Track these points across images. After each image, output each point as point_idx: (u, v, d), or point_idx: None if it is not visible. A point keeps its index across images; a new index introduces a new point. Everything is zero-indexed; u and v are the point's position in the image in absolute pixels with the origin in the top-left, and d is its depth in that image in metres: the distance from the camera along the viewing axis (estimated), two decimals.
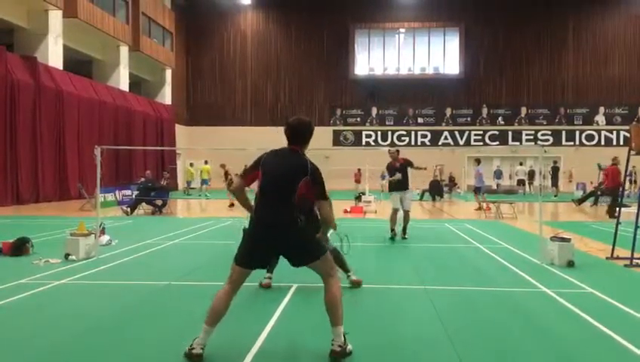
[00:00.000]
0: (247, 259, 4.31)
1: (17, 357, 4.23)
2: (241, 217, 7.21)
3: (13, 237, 9.08)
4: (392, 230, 11.18)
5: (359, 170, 31.19)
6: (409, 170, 11.37)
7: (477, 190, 20.17)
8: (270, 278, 6.66)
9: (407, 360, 4.29)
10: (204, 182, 29.17)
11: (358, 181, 31.99)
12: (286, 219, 4.24)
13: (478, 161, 20.68)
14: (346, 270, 6.70)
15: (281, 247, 4.36)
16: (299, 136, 4.66)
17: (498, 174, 34.97)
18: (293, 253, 4.36)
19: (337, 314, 4.23)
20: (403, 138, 39.28)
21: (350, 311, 5.57)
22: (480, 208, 19.36)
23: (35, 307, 5.80)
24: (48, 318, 5.36)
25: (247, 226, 4.48)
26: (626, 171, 9.71)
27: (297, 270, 6.68)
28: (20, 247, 8.79)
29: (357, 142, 39.51)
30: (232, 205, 20.53)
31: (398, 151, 11.44)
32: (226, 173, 22.86)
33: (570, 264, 8.00)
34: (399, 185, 11.24)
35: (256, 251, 4.31)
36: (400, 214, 11.20)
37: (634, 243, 8.25)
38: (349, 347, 4.21)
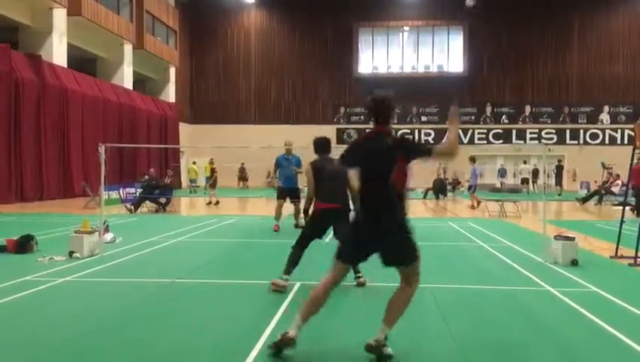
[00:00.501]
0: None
1: (21, 355, 4.25)
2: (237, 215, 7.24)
3: (18, 234, 9.11)
4: None
5: None
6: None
7: (470, 188, 20.33)
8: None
9: (410, 358, 4.29)
10: (208, 179, 29.22)
11: None
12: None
13: (473, 159, 20.73)
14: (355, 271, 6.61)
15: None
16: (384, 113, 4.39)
17: (502, 173, 34.95)
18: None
19: (394, 316, 4.21)
20: (407, 136, 39.20)
21: (352, 309, 5.58)
22: (473, 206, 19.52)
23: (39, 304, 5.82)
24: (52, 316, 5.37)
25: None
26: (630, 170, 9.68)
27: (301, 268, 6.69)
28: (24, 245, 8.81)
29: None
30: (209, 203, 20.94)
31: None
32: (213, 171, 23.22)
33: (574, 263, 7.99)
34: None
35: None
36: None
37: (638, 242, 8.23)
38: (388, 350, 4.08)
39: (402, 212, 4.16)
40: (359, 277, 6.53)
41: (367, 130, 4.35)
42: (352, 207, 6.36)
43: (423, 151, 4.24)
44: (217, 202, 21.33)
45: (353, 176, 5.85)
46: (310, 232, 6.65)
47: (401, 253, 4.17)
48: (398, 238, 4.12)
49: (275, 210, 12.39)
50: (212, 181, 22.33)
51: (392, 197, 4.09)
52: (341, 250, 4.30)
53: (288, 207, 12.83)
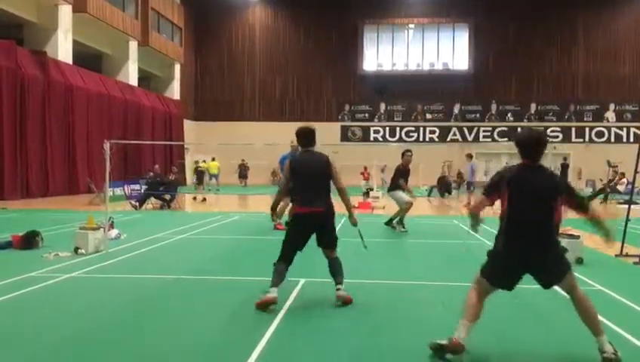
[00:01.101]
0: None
1: (26, 349, 4.26)
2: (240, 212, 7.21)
3: (23, 230, 9.15)
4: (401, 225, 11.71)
5: (366, 168, 31.23)
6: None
7: (469, 185, 20.26)
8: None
9: (415, 356, 4.28)
10: (212, 176, 29.49)
11: (366, 178, 31.94)
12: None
13: (470, 155, 20.65)
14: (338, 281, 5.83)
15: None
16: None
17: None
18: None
19: (596, 322, 4.16)
20: (411, 134, 39.20)
21: (357, 308, 5.58)
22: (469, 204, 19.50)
23: (44, 300, 5.84)
24: (57, 311, 5.39)
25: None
26: (636, 168, 9.62)
27: (305, 264, 6.69)
28: (29, 241, 8.85)
29: (365, 138, 39.45)
30: (197, 199, 21.21)
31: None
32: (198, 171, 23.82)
33: (579, 261, 7.96)
34: (400, 186, 11.85)
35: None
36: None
37: None
38: (619, 353, 4.05)
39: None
40: None
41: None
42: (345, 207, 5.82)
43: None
44: (204, 199, 21.86)
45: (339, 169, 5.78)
46: (291, 244, 5.66)
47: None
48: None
49: (280, 209, 12.29)
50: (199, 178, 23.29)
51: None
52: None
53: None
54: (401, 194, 11.78)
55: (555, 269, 4.26)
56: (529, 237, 4.10)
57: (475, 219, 4.33)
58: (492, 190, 4.20)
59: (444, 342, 4.04)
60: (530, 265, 4.24)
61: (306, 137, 5.89)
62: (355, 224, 5.90)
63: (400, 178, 11.74)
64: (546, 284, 4.39)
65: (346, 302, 5.53)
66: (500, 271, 4.24)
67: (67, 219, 13.03)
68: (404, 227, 11.67)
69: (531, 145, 4.16)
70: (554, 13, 37.95)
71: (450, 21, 39.14)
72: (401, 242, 10.50)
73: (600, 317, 5.19)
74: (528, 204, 4.07)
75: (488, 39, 38.46)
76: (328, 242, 5.74)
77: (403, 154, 11.91)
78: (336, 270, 5.73)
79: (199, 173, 26.11)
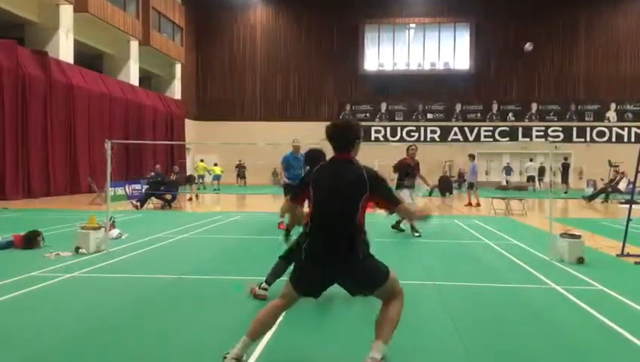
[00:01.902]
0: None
1: (27, 349, 4.27)
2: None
3: (25, 230, 9.15)
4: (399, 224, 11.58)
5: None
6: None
7: (471, 185, 20.34)
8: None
9: (415, 355, 4.28)
10: (216, 177, 30.27)
11: None
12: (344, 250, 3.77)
13: (472, 156, 20.74)
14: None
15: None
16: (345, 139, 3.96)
17: (508, 170, 34.86)
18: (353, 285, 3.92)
19: (384, 329, 3.77)
20: (412, 134, 39.19)
21: (357, 308, 5.58)
22: (470, 204, 19.55)
23: (45, 300, 5.85)
24: (58, 311, 5.40)
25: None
26: (637, 168, 9.62)
27: None
28: (31, 240, 8.85)
29: (366, 137, 39.35)
30: (191, 199, 21.37)
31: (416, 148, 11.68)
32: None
33: (580, 261, 7.96)
34: (411, 183, 11.54)
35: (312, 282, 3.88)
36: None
37: None
38: None
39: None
40: None
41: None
42: None
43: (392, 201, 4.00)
44: (197, 196, 22.16)
45: None
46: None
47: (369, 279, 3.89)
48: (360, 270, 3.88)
49: (281, 208, 12.20)
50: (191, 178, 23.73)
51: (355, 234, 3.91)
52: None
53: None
54: (405, 194, 11.36)
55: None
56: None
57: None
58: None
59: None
60: None
61: (315, 159, 5.74)
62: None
63: (404, 175, 11.54)
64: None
65: None
66: None
67: (68, 219, 13.04)
68: (417, 231, 11.20)
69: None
70: (555, 12, 37.95)
71: (451, 21, 39.12)
72: (402, 242, 10.50)
73: (601, 317, 5.21)
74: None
75: (489, 39, 38.44)
76: None
77: (408, 149, 11.82)
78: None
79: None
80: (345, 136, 3.94)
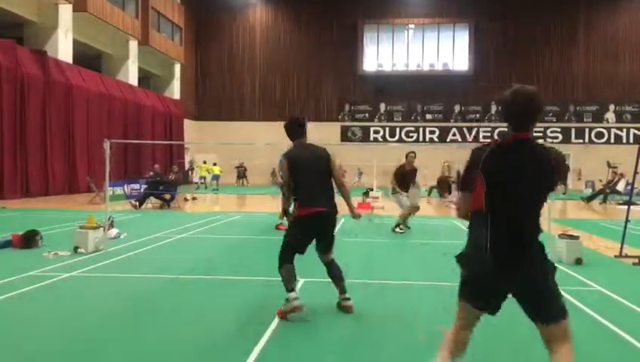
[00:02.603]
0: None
1: (26, 349, 4.27)
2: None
3: (23, 229, 9.15)
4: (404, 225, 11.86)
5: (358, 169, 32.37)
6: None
7: None
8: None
9: (414, 356, 4.29)
10: (214, 177, 30.34)
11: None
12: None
13: None
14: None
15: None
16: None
17: None
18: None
19: None
20: (411, 134, 39.20)
21: (356, 308, 5.59)
22: None
23: (43, 299, 5.85)
24: (57, 310, 5.40)
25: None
26: (635, 169, 9.63)
27: (304, 264, 6.69)
28: (29, 240, 8.85)
29: (365, 138, 39.46)
30: (187, 199, 21.44)
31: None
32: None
33: (579, 262, 7.97)
34: (405, 188, 11.78)
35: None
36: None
37: None
38: None
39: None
40: None
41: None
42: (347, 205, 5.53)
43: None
44: (194, 198, 22.07)
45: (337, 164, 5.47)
46: (293, 245, 5.26)
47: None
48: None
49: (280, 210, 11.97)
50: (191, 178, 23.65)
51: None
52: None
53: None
54: (402, 199, 11.64)
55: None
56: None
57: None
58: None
59: None
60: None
61: (293, 128, 5.35)
62: (358, 217, 5.68)
63: (401, 182, 11.67)
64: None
65: (349, 311, 5.28)
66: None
67: (67, 218, 13.03)
68: (407, 227, 11.68)
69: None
70: (554, 13, 37.98)
71: (450, 21, 39.14)
72: (401, 243, 10.51)
73: (599, 318, 5.22)
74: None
75: (488, 39, 38.47)
76: (328, 245, 5.37)
77: (407, 156, 11.88)
78: (337, 274, 5.37)
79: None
80: (533, 108, 2.94)
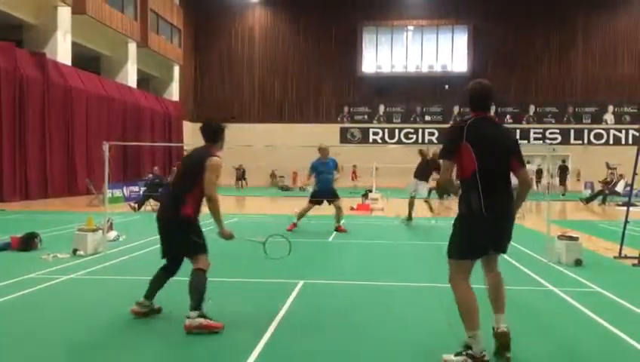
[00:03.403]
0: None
1: (25, 351, 4.26)
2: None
3: (22, 231, 9.14)
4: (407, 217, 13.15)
5: (354, 166, 32.20)
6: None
7: None
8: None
9: (414, 357, 4.28)
10: None
11: (354, 179, 32.91)
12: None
13: None
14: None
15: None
16: None
17: None
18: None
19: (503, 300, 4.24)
20: (410, 136, 39.21)
21: (356, 309, 5.59)
22: None
23: (43, 301, 5.84)
24: (56, 313, 5.39)
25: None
26: (634, 170, 9.63)
27: (304, 265, 6.67)
28: (28, 242, 8.84)
29: (364, 139, 39.47)
30: None
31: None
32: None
33: (578, 263, 7.97)
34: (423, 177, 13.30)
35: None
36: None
37: None
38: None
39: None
40: None
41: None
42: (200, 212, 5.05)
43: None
44: None
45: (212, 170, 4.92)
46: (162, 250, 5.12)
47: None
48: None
49: (301, 211, 12.00)
50: None
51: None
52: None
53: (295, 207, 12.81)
54: (413, 185, 13.11)
55: None
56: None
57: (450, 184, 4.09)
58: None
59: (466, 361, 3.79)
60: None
61: (206, 132, 5.35)
62: (228, 237, 5.24)
63: (421, 172, 13.05)
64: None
65: (189, 331, 4.56)
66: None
67: (66, 221, 13.02)
68: (408, 219, 13.21)
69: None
70: (553, 15, 38.01)
71: (449, 23, 39.17)
72: (401, 244, 10.51)
73: (598, 319, 5.22)
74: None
75: (487, 41, 38.49)
76: (182, 253, 5.03)
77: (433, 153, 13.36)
78: (190, 286, 4.79)
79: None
80: (492, 94, 4.13)
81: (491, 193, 3.86)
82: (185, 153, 5.55)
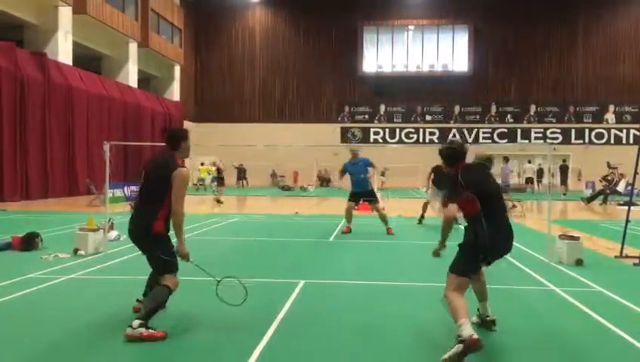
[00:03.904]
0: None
1: (26, 351, 4.26)
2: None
3: (23, 231, 9.14)
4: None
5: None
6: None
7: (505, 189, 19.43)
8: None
9: (414, 357, 4.28)
10: (214, 178, 30.09)
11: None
12: None
13: (506, 158, 20.53)
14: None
15: None
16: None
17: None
18: None
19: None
20: (411, 135, 39.21)
21: (356, 309, 5.58)
22: (514, 207, 17.82)
23: (43, 301, 5.84)
24: (57, 312, 5.39)
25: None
26: (635, 169, 9.62)
27: (304, 265, 6.66)
28: (29, 242, 8.84)
29: (365, 139, 39.46)
30: (219, 201, 21.11)
31: None
32: (220, 170, 23.80)
33: (579, 262, 7.96)
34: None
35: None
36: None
37: None
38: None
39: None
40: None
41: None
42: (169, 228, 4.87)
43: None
44: (220, 201, 21.47)
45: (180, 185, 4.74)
46: None
47: None
48: None
49: (345, 212, 12.05)
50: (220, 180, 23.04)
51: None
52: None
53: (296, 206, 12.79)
54: (434, 193, 13.49)
55: None
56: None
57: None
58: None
59: (459, 347, 3.99)
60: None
61: (168, 138, 5.03)
62: (183, 256, 4.98)
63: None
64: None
65: (130, 340, 4.42)
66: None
67: (67, 221, 13.02)
68: (419, 220, 13.75)
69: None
70: (553, 14, 38.01)
71: (450, 23, 39.17)
72: (402, 244, 10.50)
73: (600, 318, 5.22)
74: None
75: (488, 40, 38.49)
76: (150, 264, 4.99)
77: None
78: (150, 297, 4.78)
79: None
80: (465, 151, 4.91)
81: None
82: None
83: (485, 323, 4.90)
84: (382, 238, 10.99)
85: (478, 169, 4.80)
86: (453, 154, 4.72)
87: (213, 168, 30.58)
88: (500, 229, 4.52)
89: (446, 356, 4.00)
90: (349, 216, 11.98)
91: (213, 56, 40.63)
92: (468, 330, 4.06)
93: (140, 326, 4.44)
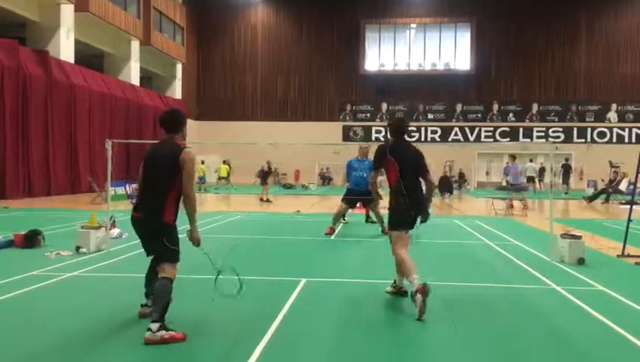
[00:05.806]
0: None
1: (27, 348, 4.26)
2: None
3: (25, 229, 9.15)
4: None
5: None
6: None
7: (516, 188, 19.07)
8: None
9: (416, 356, 4.28)
10: (221, 178, 30.15)
11: None
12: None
13: (513, 156, 20.07)
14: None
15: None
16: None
17: (508, 171, 34.74)
18: None
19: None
20: (413, 134, 39.18)
21: (356, 308, 5.58)
22: (526, 207, 17.82)
23: (45, 299, 5.85)
24: (59, 310, 5.40)
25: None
26: (637, 169, 9.61)
27: (306, 263, 6.65)
28: (31, 239, 8.85)
29: (367, 137, 39.45)
30: (266, 200, 20.91)
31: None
32: (269, 169, 23.60)
33: (581, 261, 7.95)
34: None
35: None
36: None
37: None
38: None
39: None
40: None
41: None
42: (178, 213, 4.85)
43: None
44: (268, 200, 21.18)
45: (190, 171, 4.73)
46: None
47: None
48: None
49: (336, 212, 11.66)
50: (264, 179, 22.60)
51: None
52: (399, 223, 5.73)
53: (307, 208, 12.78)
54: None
55: None
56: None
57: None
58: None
59: (419, 297, 5.02)
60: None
61: (164, 123, 4.95)
62: (196, 244, 4.97)
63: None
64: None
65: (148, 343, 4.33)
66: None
67: (69, 218, 13.04)
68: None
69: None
70: (556, 13, 37.95)
71: (452, 21, 39.13)
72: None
73: (602, 318, 5.21)
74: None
75: (490, 39, 38.45)
76: (156, 254, 4.91)
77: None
78: (156, 297, 4.61)
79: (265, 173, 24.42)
80: (406, 127, 6.15)
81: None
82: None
83: (399, 293, 5.91)
84: (382, 236, 10.98)
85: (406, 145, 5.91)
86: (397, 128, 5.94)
87: (224, 168, 30.65)
88: (416, 199, 5.66)
89: (418, 313, 4.97)
90: (337, 219, 11.54)
91: (215, 55, 40.63)
92: (418, 281, 5.16)
93: (160, 328, 4.37)
